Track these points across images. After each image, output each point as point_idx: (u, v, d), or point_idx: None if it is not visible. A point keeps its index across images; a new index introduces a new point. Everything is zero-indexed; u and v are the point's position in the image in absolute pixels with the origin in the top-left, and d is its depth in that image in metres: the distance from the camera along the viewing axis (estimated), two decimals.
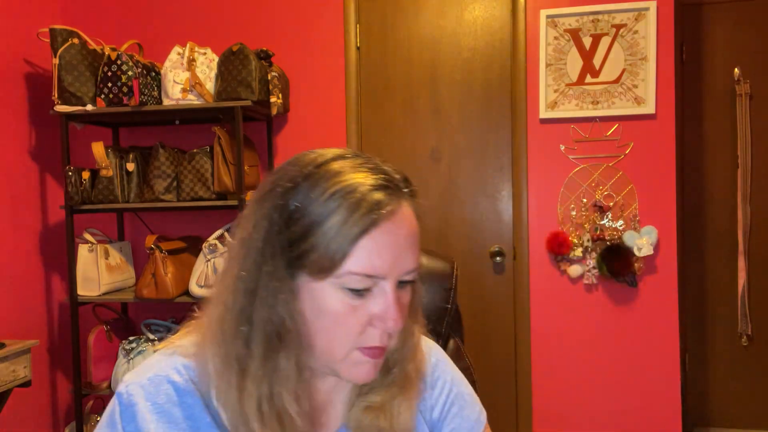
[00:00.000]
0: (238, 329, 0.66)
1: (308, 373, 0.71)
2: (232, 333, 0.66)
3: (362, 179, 0.65)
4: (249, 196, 2.22)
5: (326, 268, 0.64)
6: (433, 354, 0.83)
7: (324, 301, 0.65)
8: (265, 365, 0.65)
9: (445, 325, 1.16)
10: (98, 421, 0.74)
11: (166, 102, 2.40)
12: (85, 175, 2.42)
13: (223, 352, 0.66)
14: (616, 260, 2.40)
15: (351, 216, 0.63)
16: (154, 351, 0.74)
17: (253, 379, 0.65)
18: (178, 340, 0.74)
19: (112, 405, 0.69)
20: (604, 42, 2.46)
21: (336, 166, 0.66)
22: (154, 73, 2.44)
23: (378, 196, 0.64)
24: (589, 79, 2.47)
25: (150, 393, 0.68)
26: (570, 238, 2.47)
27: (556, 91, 2.49)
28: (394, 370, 0.73)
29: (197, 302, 0.74)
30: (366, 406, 0.73)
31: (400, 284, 0.68)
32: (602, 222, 2.47)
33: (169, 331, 2.53)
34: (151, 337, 2.44)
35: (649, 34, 2.41)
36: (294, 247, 0.65)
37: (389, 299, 0.65)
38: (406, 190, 0.68)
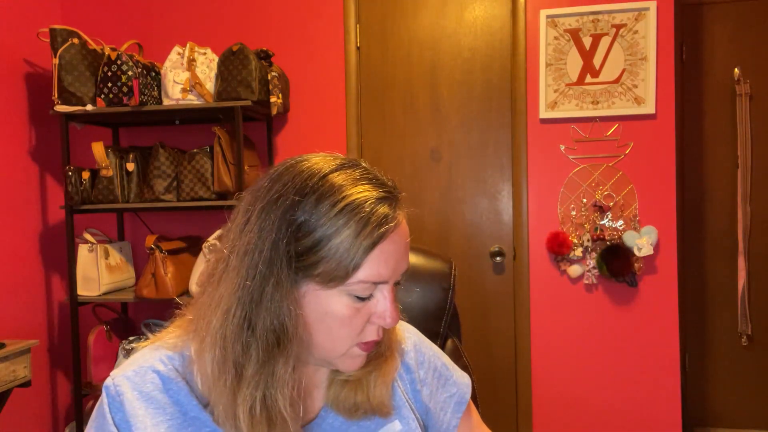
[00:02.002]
0: (238, 336, 0.68)
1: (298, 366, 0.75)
2: (233, 339, 0.68)
3: (367, 193, 0.69)
4: None
5: (338, 277, 0.68)
6: (411, 335, 0.90)
7: (330, 306, 0.69)
8: (262, 370, 0.67)
9: (444, 325, 1.16)
10: None
11: (166, 102, 2.40)
12: (85, 175, 2.43)
13: (222, 356, 0.68)
14: (616, 260, 2.40)
15: (362, 230, 0.67)
16: (141, 348, 0.76)
17: (249, 382, 0.67)
18: (164, 337, 0.77)
19: (101, 398, 0.71)
20: (604, 42, 2.45)
21: (339, 179, 0.69)
22: (154, 73, 2.44)
23: (384, 209, 0.69)
24: (589, 79, 2.47)
25: (136, 383, 0.70)
26: (570, 238, 2.47)
27: (556, 91, 2.49)
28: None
29: (187, 302, 0.75)
30: (344, 380, 0.78)
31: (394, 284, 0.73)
32: (602, 222, 2.47)
33: None
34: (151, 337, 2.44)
35: (649, 34, 2.41)
36: (303, 258, 0.68)
37: (389, 300, 0.71)
38: (399, 198, 0.73)
